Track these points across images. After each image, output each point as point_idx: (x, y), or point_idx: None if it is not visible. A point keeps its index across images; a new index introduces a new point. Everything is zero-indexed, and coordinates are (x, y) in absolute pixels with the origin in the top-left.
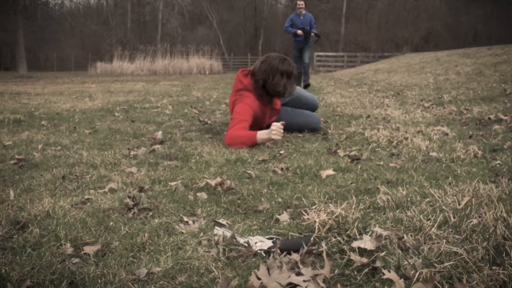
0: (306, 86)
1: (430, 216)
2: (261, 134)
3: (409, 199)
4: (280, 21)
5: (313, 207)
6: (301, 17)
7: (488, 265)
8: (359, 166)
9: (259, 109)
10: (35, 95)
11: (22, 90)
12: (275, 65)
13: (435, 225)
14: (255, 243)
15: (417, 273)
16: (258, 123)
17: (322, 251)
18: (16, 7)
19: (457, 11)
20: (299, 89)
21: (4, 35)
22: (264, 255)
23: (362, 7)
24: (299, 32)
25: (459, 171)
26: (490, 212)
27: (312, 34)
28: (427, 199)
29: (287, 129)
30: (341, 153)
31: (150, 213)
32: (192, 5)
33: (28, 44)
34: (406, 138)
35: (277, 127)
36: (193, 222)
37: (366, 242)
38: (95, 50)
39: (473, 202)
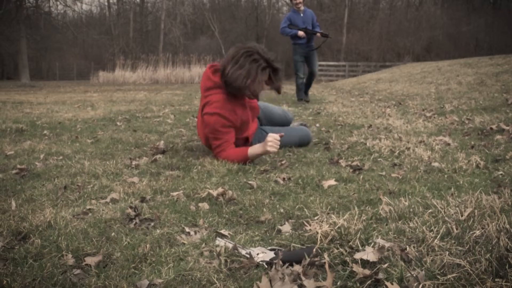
0: (300, 100)
1: (432, 227)
2: (253, 149)
3: (411, 210)
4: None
5: (315, 218)
6: (301, 14)
7: (491, 277)
8: (361, 177)
9: (235, 108)
10: (37, 104)
11: (25, 99)
12: (239, 51)
13: (438, 237)
14: (257, 254)
15: (420, 285)
16: (246, 127)
17: (325, 262)
18: (19, 16)
19: (459, 21)
20: (268, 104)
21: (7, 45)
22: (266, 266)
23: (364, 16)
24: (301, 33)
25: (461, 182)
26: (493, 224)
27: (318, 34)
28: (430, 210)
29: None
30: (343, 163)
31: (152, 224)
32: (194, 15)
33: (31, 53)
34: (408, 148)
35: (273, 138)
36: (195, 232)
37: (369, 254)
38: (98, 59)
39: (476, 213)
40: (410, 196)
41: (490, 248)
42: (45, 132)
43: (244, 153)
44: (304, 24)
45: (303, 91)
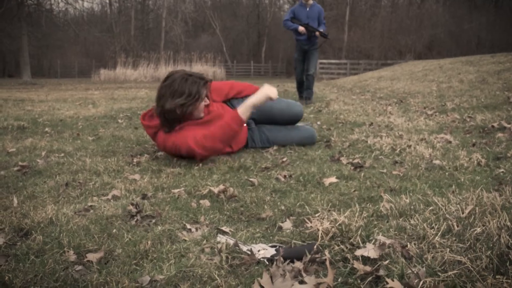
0: (306, 103)
1: (433, 225)
2: (245, 106)
3: (412, 207)
4: (283, 29)
5: (316, 215)
6: (307, 9)
7: (492, 274)
8: (362, 174)
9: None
10: (38, 102)
11: (26, 97)
12: (179, 86)
13: (439, 234)
14: (258, 251)
15: (421, 282)
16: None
17: (325, 259)
18: (21, 14)
19: (460, 19)
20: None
21: (9, 42)
22: (267, 263)
23: (365, 14)
24: (301, 29)
25: (462, 179)
26: (494, 221)
27: (318, 33)
28: (431, 208)
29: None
30: (344, 160)
31: (153, 221)
32: (195, 13)
33: (32, 51)
34: (409, 146)
35: (267, 84)
36: (196, 229)
37: (370, 251)
38: (99, 57)
39: (477, 211)
40: (411, 194)
41: (491, 245)
42: (46, 129)
43: (235, 119)
44: (308, 19)
45: (303, 90)
